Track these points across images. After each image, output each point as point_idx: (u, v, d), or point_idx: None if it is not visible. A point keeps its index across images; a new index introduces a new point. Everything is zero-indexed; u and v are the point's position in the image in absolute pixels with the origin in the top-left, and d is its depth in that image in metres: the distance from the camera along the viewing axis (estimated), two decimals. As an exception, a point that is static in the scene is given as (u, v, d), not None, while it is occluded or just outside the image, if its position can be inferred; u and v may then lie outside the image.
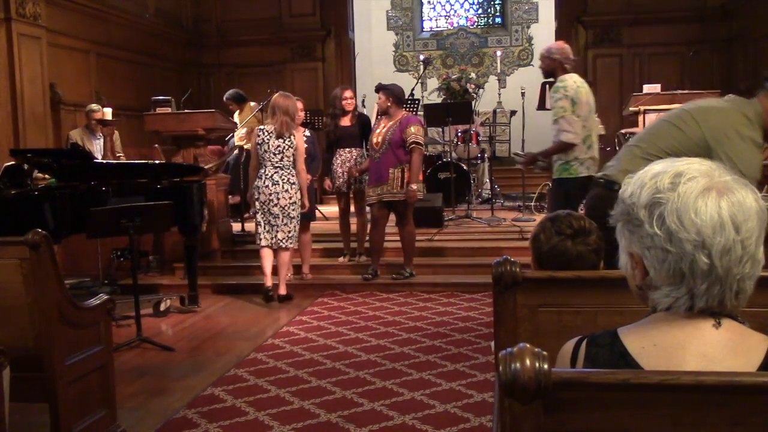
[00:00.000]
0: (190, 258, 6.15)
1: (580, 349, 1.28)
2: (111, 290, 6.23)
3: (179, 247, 6.39)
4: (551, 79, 5.55)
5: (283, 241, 6.10)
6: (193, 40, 11.38)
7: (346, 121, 6.93)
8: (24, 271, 3.11)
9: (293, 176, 6.12)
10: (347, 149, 6.89)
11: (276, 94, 6.27)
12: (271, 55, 11.30)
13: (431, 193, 8.18)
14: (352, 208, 7.10)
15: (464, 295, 6.29)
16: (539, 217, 7.75)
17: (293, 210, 6.11)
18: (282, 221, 6.08)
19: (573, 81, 5.26)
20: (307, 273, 6.87)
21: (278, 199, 6.06)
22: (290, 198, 6.09)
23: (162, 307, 6.04)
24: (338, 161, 6.93)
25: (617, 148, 8.09)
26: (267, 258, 6.17)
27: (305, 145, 6.58)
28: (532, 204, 8.65)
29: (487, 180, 9.85)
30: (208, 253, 7.24)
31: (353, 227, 7.13)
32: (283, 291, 6.27)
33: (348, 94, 6.97)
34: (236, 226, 7.94)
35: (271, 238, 6.12)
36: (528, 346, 1.04)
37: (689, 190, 1.15)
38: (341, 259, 7.16)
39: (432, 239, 7.29)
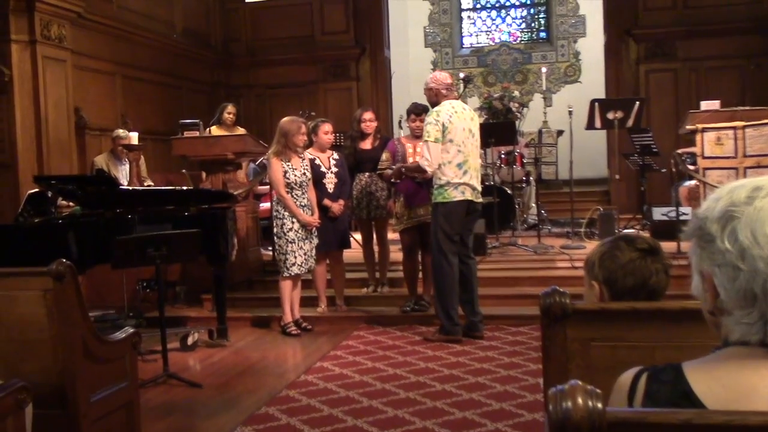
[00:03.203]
0: (218, 289, 6.20)
1: (639, 383, 1.25)
2: (137, 323, 6.30)
3: (208, 277, 6.45)
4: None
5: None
6: (222, 60, 11.59)
7: (366, 144, 6.97)
8: (48, 303, 3.17)
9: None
10: (368, 174, 6.91)
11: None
12: (304, 75, 11.45)
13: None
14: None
15: (510, 329, 6.24)
16: (590, 244, 7.69)
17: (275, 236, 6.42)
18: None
19: (451, 107, 5.82)
20: (341, 305, 6.89)
21: None
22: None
23: (189, 341, 6.09)
24: (358, 187, 6.95)
25: (673, 170, 8.02)
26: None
27: (335, 169, 6.70)
28: (582, 230, 8.57)
29: (533, 205, 9.79)
30: (237, 284, 7.30)
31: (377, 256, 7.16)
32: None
33: (368, 116, 6.99)
34: (267, 255, 7.99)
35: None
36: (580, 383, 1.03)
37: (767, 204, 1.12)
38: (365, 290, 7.18)
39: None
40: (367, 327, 6.55)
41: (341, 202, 6.67)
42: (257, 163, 8.52)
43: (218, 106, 8.84)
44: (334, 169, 6.71)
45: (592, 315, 2.00)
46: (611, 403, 1.27)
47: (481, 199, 6.06)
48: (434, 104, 5.95)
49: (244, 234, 7.40)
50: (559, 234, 8.98)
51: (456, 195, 5.78)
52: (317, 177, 6.59)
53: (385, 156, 6.61)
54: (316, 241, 6.44)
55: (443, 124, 5.72)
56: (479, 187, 5.99)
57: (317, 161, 6.66)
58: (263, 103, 11.55)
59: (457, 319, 5.92)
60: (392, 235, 7.14)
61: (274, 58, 11.48)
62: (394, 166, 6.34)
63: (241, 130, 8.22)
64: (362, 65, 11.49)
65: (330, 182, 6.67)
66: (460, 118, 5.83)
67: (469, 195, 5.83)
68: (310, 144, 6.79)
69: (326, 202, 6.58)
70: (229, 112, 8.50)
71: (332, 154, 6.80)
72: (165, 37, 9.99)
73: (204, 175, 7.76)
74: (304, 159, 6.43)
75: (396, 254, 7.10)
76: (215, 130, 8.31)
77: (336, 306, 6.88)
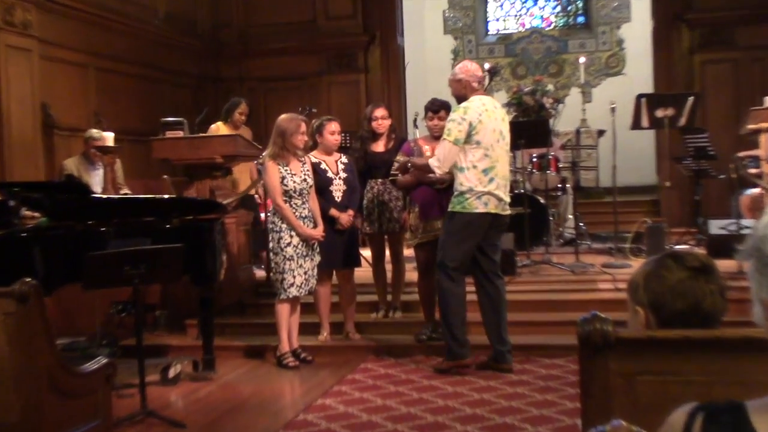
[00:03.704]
0: (205, 313, 6.21)
1: (695, 424, 1.24)
2: (111, 352, 6.31)
3: (192, 300, 6.47)
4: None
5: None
6: (211, 50, 11.64)
7: (379, 146, 6.99)
8: (9, 329, 3.18)
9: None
10: (380, 180, 6.92)
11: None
12: (304, 66, 11.48)
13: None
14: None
15: (543, 360, 6.23)
16: (636, 263, 7.66)
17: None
18: None
19: (481, 103, 5.82)
20: (352, 332, 6.89)
21: None
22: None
23: (171, 373, 6.09)
24: (369, 195, 6.96)
25: (733, 176, 7.99)
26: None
27: (344, 174, 6.71)
28: (627, 246, 8.54)
29: (570, 216, 9.78)
30: (227, 308, 7.30)
31: (389, 275, 7.18)
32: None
33: (380, 113, 7.00)
34: (260, 274, 8.00)
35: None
36: (624, 423, 1.03)
37: None
38: (374, 315, 7.20)
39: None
40: (377, 358, 6.54)
41: (350, 212, 6.67)
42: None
43: (205, 102, 8.89)
44: (343, 175, 6.72)
45: (638, 345, 2.00)
46: (661, 446, 1.26)
47: (508, 211, 6.05)
48: (461, 99, 5.94)
49: (235, 250, 7.41)
50: (601, 250, 8.95)
51: (478, 206, 5.78)
52: (323, 183, 6.60)
53: (401, 158, 6.59)
54: (318, 258, 6.44)
55: (470, 124, 5.72)
56: (507, 198, 5.98)
57: (323, 165, 6.67)
58: (257, 99, 11.57)
59: (464, 340, 5.94)
60: (407, 252, 7.15)
61: (270, 47, 11.51)
62: (402, 160, 6.34)
63: (247, 132, 8.27)
64: (372, 55, 11.51)
65: (338, 189, 6.68)
66: (491, 117, 5.83)
67: (493, 207, 5.82)
68: (314, 146, 6.80)
69: (333, 212, 6.58)
70: (242, 112, 8.57)
71: (340, 158, 6.81)
72: (145, 24, 10.04)
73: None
74: (304, 163, 6.44)
75: (411, 273, 7.10)
76: (222, 128, 8.39)
77: (344, 334, 6.86)
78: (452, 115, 5.85)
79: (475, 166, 5.77)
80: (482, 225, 5.84)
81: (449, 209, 5.88)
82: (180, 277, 5.69)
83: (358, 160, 6.98)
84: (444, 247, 5.87)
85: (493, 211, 5.83)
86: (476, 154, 5.77)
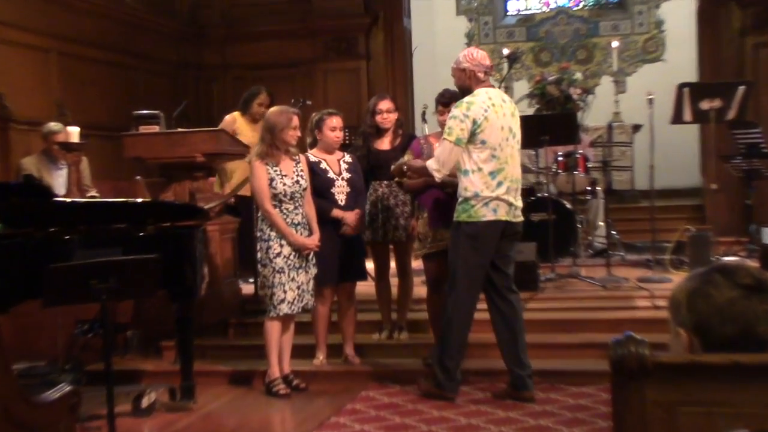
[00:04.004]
0: (183, 334, 6.21)
1: None
2: (75, 379, 6.30)
3: (169, 318, 6.46)
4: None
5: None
6: (190, 32, 11.67)
7: (384, 144, 7.00)
8: (-43, 352, 3.18)
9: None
10: (385, 182, 6.93)
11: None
12: (297, 52, 11.51)
13: (520, 241, 8.15)
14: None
15: (570, 388, 6.22)
16: (677, 277, 7.65)
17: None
18: None
19: (486, 97, 5.84)
20: (352, 356, 6.88)
21: None
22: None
23: (145, 402, 6.08)
24: (372, 198, 6.97)
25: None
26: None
27: (348, 175, 6.71)
28: (667, 257, 8.54)
29: (601, 223, 9.77)
30: (208, 327, 7.30)
31: (395, 290, 7.17)
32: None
33: (385, 106, 6.99)
34: (247, 289, 8.00)
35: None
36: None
37: None
38: (376, 336, 7.20)
39: (523, 308, 7.22)
40: (379, 385, 6.53)
41: (358, 211, 6.67)
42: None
43: (185, 93, 8.89)
44: (346, 175, 6.71)
45: (680, 371, 1.99)
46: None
47: (520, 218, 6.02)
48: (465, 91, 5.94)
49: (219, 261, 7.41)
50: (636, 262, 8.95)
51: (486, 213, 5.76)
52: (324, 185, 6.60)
53: (406, 159, 6.57)
54: (314, 270, 6.43)
55: (474, 121, 5.71)
56: (519, 203, 5.97)
57: (323, 165, 6.67)
58: (244, 89, 11.54)
59: (454, 373, 5.96)
60: (415, 264, 7.14)
61: (258, 30, 11.54)
62: (398, 162, 6.33)
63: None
64: (374, 39, 11.53)
65: (341, 191, 6.67)
66: (498, 113, 5.82)
67: (503, 214, 5.81)
68: (314, 143, 6.80)
69: (336, 212, 6.56)
70: (261, 103, 8.57)
71: (343, 156, 6.81)
72: (115, 4, 10.07)
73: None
74: (298, 162, 6.43)
75: (419, 289, 7.09)
76: (239, 119, 8.42)
77: (343, 357, 6.86)
78: (454, 111, 5.82)
79: (480, 169, 5.75)
80: (493, 235, 5.82)
81: (454, 218, 5.88)
82: (155, 292, 5.69)
83: (360, 159, 6.96)
84: (453, 263, 5.88)
85: (503, 218, 5.82)
86: (482, 155, 5.75)
